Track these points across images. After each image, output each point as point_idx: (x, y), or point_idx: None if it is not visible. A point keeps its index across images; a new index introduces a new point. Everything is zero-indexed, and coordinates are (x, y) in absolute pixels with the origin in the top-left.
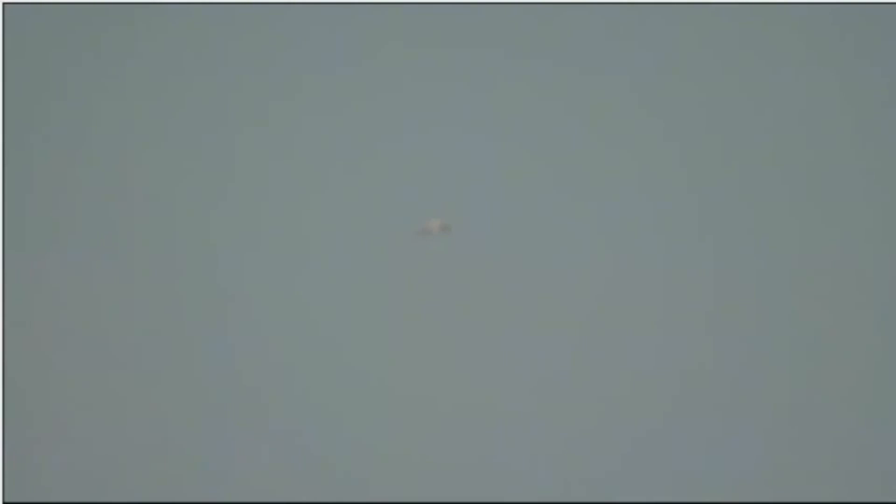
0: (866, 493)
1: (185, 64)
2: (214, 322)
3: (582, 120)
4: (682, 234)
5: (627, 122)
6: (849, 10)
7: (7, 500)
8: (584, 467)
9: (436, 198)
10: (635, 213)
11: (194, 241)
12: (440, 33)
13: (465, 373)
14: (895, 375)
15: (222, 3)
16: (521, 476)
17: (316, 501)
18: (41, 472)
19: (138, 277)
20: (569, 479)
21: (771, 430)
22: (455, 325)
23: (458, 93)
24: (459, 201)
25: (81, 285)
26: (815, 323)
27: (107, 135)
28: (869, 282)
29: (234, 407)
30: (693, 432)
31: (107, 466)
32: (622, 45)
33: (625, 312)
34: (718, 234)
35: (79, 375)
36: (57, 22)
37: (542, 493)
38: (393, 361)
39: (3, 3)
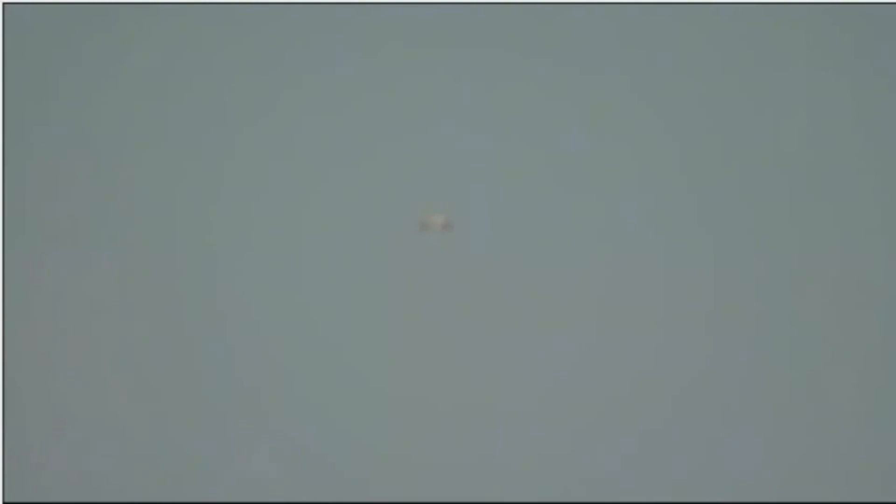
0: (866, 493)
1: (185, 62)
2: (214, 319)
3: (585, 118)
4: (686, 232)
5: (631, 121)
6: (850, 10)
7: (7, 501)
8: (584, 467)
9: (437, 195)
10: (639, 212)
11: (194, 240)
12: (441, 33)
13: (466, 371)
14: (895, 375)
15: (222, 3)
16: (522, 476)
17: (316, 501)
18: (41, 472)
19: (137, 273)
20: (569, 479)
21: (772, 430)
22: (456, 323)
23: (458, 92)
24: (461, 199)
25: (81, 285)
26: (817, 323)
27: (107, 135)
28: (871, 282)
29: (234, 405)
30: (693, 432)
31: (107, 466)
32: (625, 44)
33: (628, 311)
34: (722, 234)
35: (79, 375)
36: (57, 22)
37: (542, 493)
38: (394, 360)
39: (3, 3)
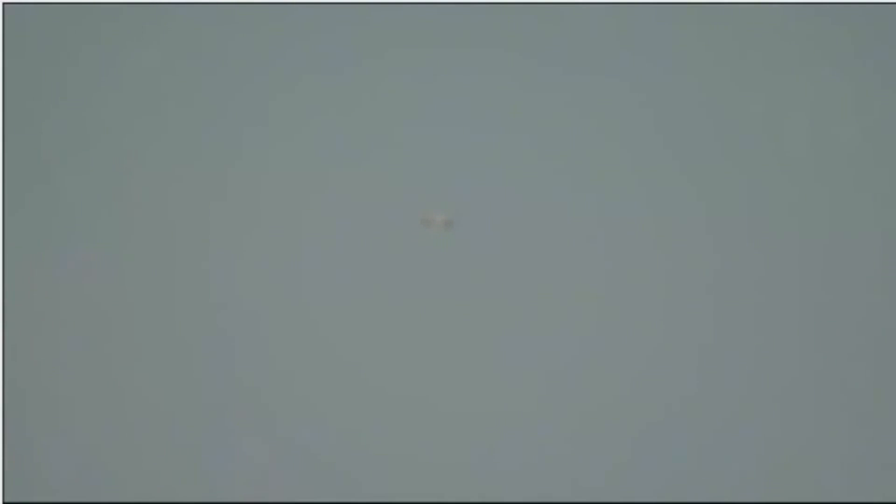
0: (866, 493)
1: (185, 62)
2: (214, 315)
3: (586, 117)
4: (686, 230)
5: (631, 120)
6: (850, 10)
7: (7, 501)
8: (585, 466)
9: (438, 193)
10: (639, 209)
11: (195, 236)
12: (442, 33)
13: (465, 368)
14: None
15: (222, 3)
16: (522, 476)
17: (316, 501)
18: (41, 472)
19: (137, 272)
20: (571, 479)
21: (772, 430)
22: (456, 320)
23: (459, 91)
24: (462, 197)
25: (81, 285)
26: (818, 322)
27: (107, 134)
28: (872, 282)
29: (234, 403)
30: (694, 432)
31: (107, 466)
32: (625, 44)
33: (627, 308)
34: (722, 233)
35: (79, 375)
36: (57, 22)
37: (542, 493)
38: (393, 357)
39: (3, 3)
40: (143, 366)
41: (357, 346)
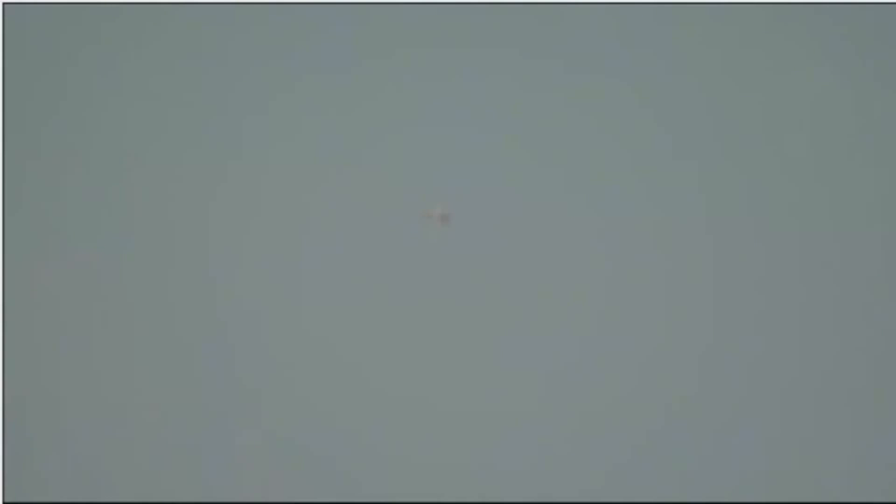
0: (866, 493)
1: (185, 61)
2: (214, 317)
3: (584, 116)
4: (685, 228)
5: (629, 119)
6: (850, 10)
7: (7, 500)
8: (584, 466)
9: (437, 188)
10: (636, 206)
11: (195, 233)
12: (442, 32)
13: (465, 368)
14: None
15: (223, 3)
16: (521, 476)
17: (316, 501)
18: (41, 472)
19: (137, 270)
20: (570, 479)
21: (773, 430)
22: (454, 316)
23: (458, 90)
24: (462, 195)
25: (81, 285)
26: (818, 322)
27: (107, 134)
28: (871, 282)
29: (234, 401)
30: (694, 432)
31: (107, 466)
32: (625, 44)
33: (626, 305)
34: (723, 233)
35: (79, 375)
36: (57, 22)
37: (542, 493)
38: (392, 353)
39: (3, 3)
40: (143, 365)
41: (356, 343)
